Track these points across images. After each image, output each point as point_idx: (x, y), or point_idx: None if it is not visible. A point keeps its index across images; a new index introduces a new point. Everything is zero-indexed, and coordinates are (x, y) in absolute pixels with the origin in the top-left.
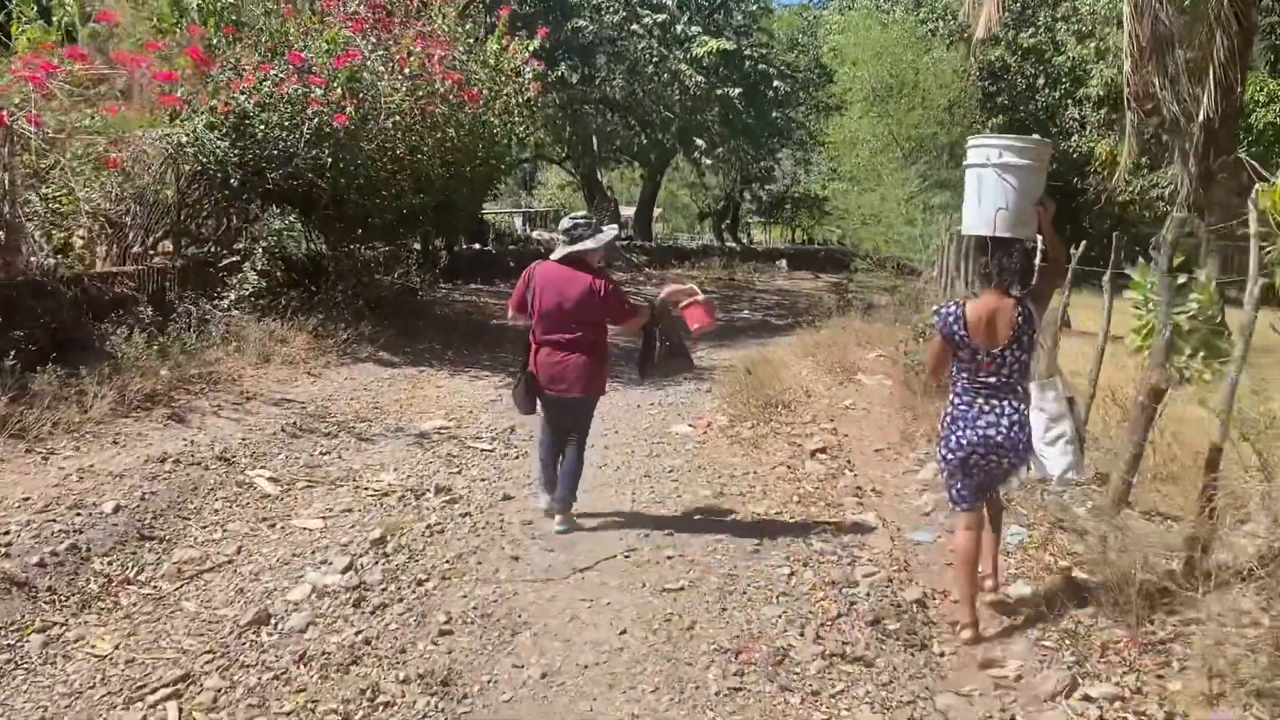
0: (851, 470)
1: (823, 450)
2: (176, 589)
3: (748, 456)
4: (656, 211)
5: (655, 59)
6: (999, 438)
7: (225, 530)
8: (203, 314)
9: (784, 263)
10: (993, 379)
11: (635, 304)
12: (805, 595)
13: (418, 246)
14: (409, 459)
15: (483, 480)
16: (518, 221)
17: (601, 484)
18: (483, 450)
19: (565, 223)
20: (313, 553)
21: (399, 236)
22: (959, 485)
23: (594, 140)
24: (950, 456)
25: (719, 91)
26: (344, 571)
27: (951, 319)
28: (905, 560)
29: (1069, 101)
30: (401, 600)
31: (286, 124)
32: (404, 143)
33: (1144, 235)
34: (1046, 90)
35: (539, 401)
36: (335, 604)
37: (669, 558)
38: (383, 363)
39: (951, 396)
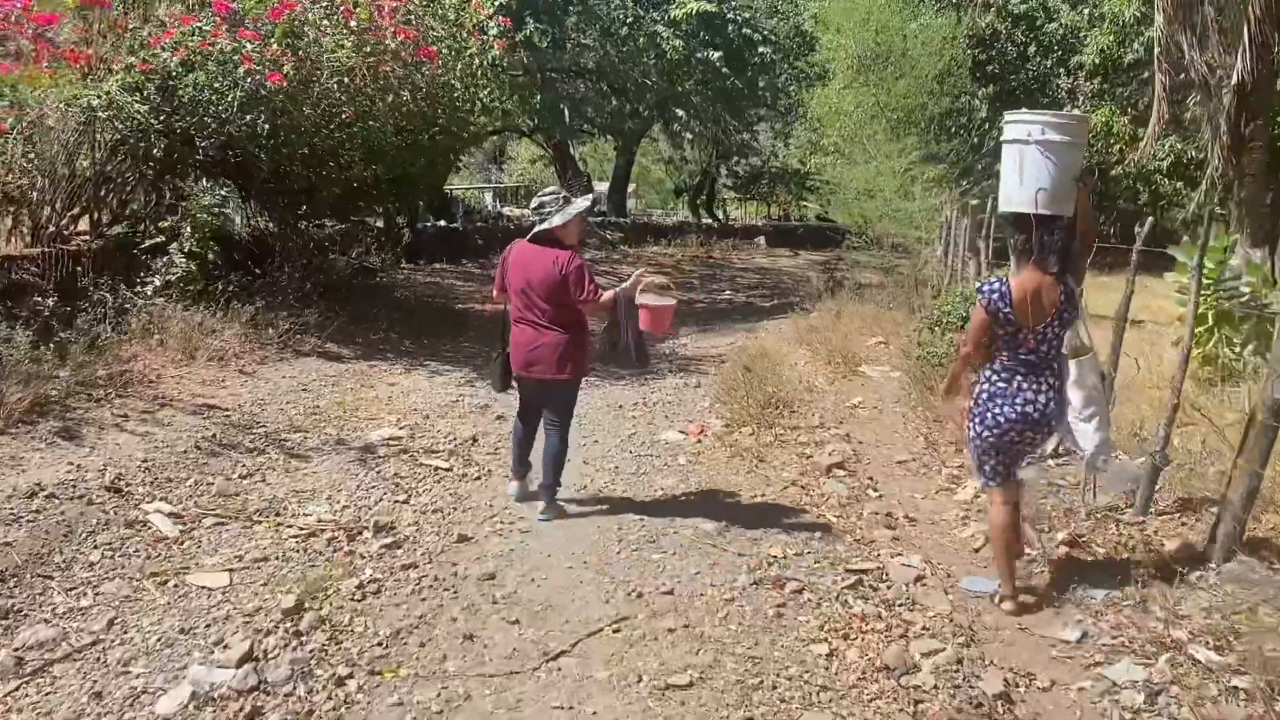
0: (876, 490)
1: (840, 465)
2: (3, 697)
3: (752, 474)
4: (630, 187)
5: (630, 20)
6: (1036, 415)
7: (98, 594)
8: (121, 303)
9: (762, 240)
10: (1032, 356)
11: (599, 287)
12: (853, 690)
13: (379, 224)
14: (347, 482)
15: (434, 512)
16: (488, 197)
17: (580, 515)
18: (437, 469)
19: (534, 200)
20: (207, 627)
21: (350, 212)
22: (993, 463)
23: (565, 111)
24: (986, 434)
25: (699, 56)
26: (240, 664)
27: (996, 295)
28: (970, 628)
29: (1061, 70)
30: (312, 715)
31: (216, 85)
32: (352, 107)
33: (1136, 211)
34: (1038, 59)
35: (516, 382)
36: None
37: (669, 630)
38: (330, 356)
39: (987, 373)
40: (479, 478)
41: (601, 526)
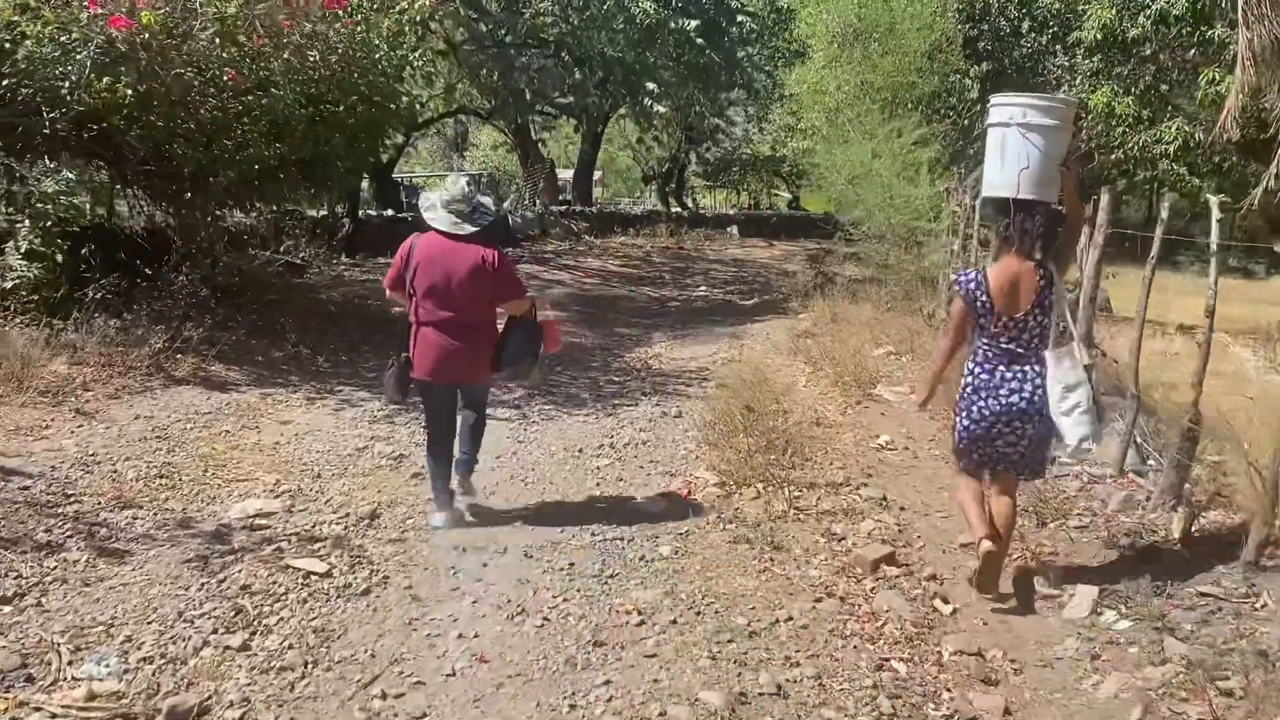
0: (947, 602)
1: (889, 559)
2: None
3: (767, 576)
4: (596, 175)
5: None
6: (1023, 404)
7: None
8: None
9: (735, 229)
10: (1014, 345)
11: (522, 282)
12: None
13: (315, 213)
14: (167, 605)
15: (280, 672)
16: None
17: (510, 679)
18: (308, 576)
19: (454, 190)
20: None
21: (255, 199)
22: (977, 455)
23: (524, 88)
24: (972, 427)
25: (673, 25)
26: None
27: (973, 284)
28: None
29: (1058, 48)
30: None
31: (62, 40)
32: (243, 69)
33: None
34: (1032, 35)
35: (423, 393)
36: None
37: None
38: (213, 383)
39: (971, 364)
40: (368, 590)
41: (547, 707)
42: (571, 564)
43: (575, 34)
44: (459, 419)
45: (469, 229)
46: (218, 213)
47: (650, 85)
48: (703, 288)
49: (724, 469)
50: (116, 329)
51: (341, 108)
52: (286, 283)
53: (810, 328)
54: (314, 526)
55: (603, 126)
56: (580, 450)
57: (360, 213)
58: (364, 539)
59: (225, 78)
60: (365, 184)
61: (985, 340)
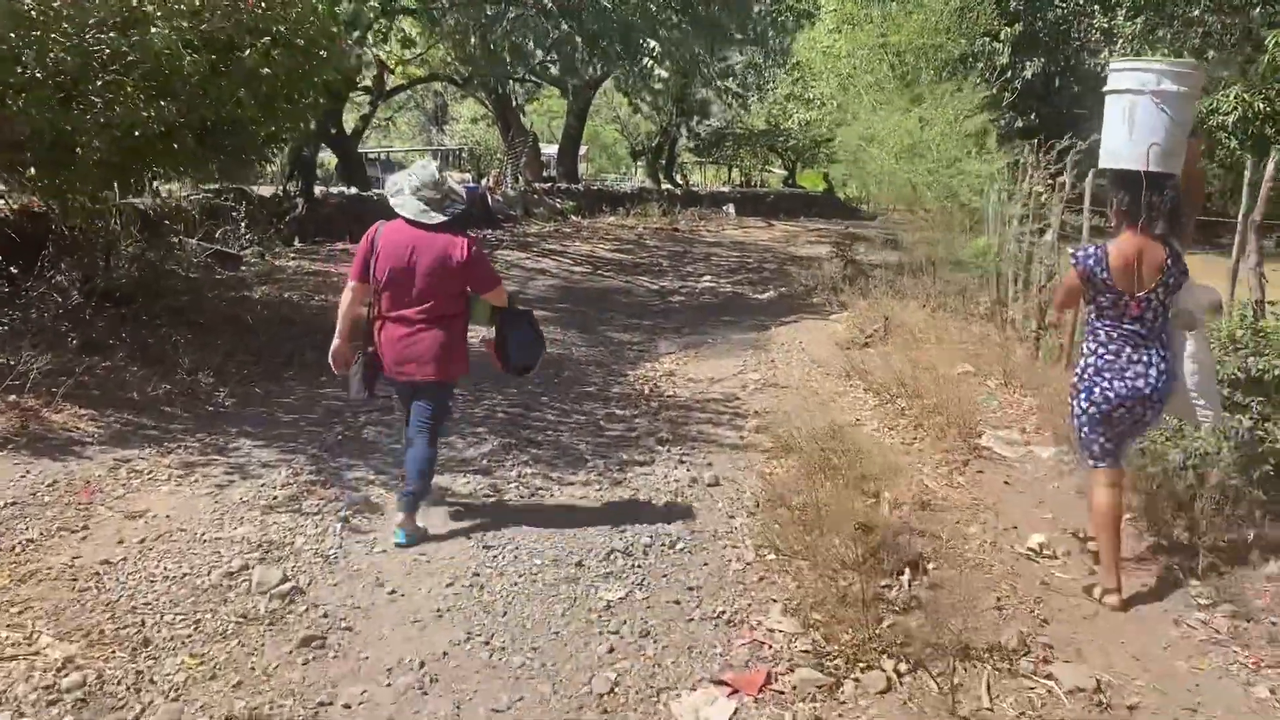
0: None
1: None
2: None
3: None
4: (582, 150)
5: None
6: (1147, 389)
7: None
8: None
9: (731, 208)
10: (1138, 326)
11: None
12: None
13: (267, 190)
14: None
15: None
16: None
17: None
18: None
19: (423, 175)
20: None
21: (140, 176)
22: (1101, 440)
23: (499, 46)
24: (1093, 410)
25: None
26: None
27: (1092, 260)
28: None
29: (1094, 8)
30: None
31: None
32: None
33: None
34: None
35: (392, 386)
36: None
37: None
38: (48, 442)
39: (1093, 344)
40: None
41: None
42: None
43: None
44: (409, 445)
45: (438, 218)
46: (105, 193)
47: (650, 43)
48: (707, 277)
49: (809, 614)
50: None
51: (247, 54)
52: (208, 280)
53: (857, 334)
54: None
55: (592, 97)
56: (579, 564)
57: (317, 190)
58: None
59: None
60: (332, 158)
61: (1106, 321)
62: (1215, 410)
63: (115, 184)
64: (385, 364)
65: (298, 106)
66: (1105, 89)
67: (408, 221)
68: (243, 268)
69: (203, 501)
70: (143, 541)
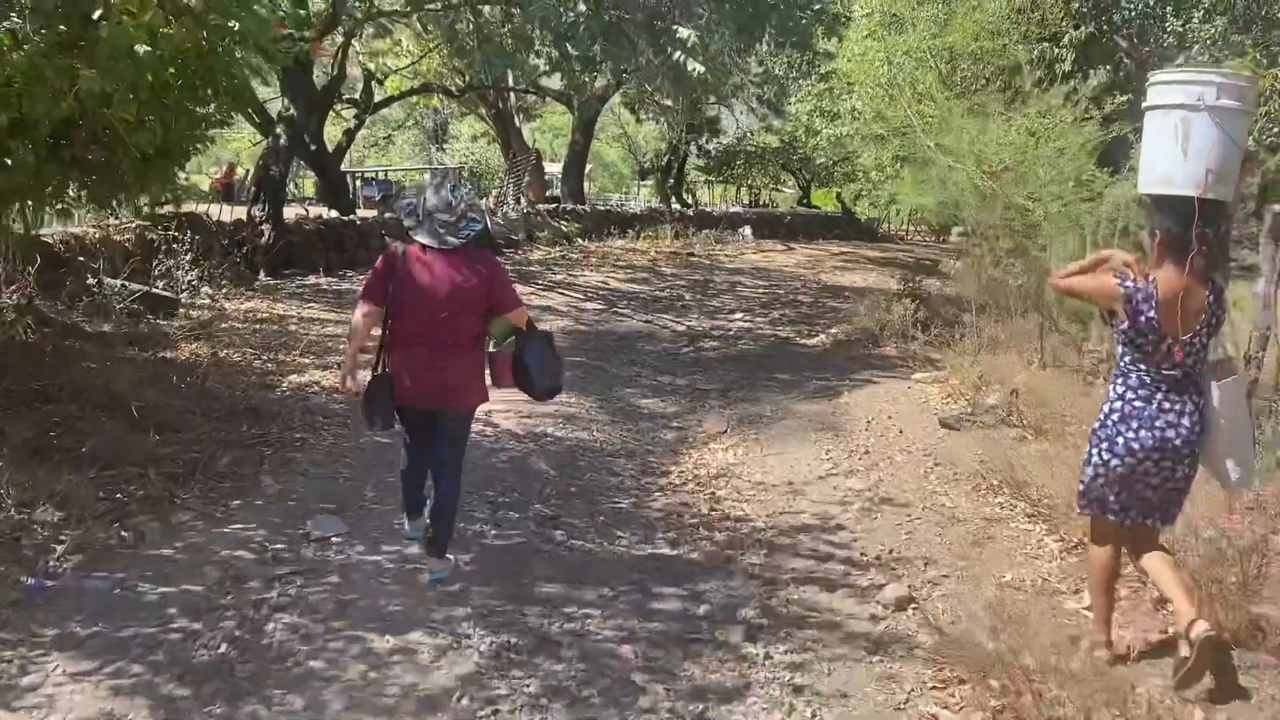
0: None
1: None
2: None
3: None
4: (586, 169)
5: None
6: (1178, 441)
7: None
8: None
9: (748, 230)
10: (1177, 371)
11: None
12: None
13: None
14: None
15: None
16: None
17: None
18: None
19: (437, 199)
20: None
21: None
22: (1114, 498)
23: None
24: (1116, 463)
25: None
26: None
27: (1141, 297)
28: None
29: (1166, 10)
30: None
31: None
32: None
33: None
34: None
35: (403, 419)
36: None
37: None
38: None
39: (1121, 389)
40: None
41: None
42: None
43: None
44: (431, 472)
45: (455, 242)
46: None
47: (683, 32)
48: (738, 314)
49: None
50: None
51: (98, 17)
52: (117, 337)
53: (966, 407)
54: None
55: (599, 108)
56: None
57: (291, 214)
58: None
59: None
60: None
61: (1141, 365)
62: (1246, 468)
63: None
64: (401, 391)
65: (194, 112)
66: (1146, 104)
67: (425, 247)
68: (178, 315)
69: None
70: None
